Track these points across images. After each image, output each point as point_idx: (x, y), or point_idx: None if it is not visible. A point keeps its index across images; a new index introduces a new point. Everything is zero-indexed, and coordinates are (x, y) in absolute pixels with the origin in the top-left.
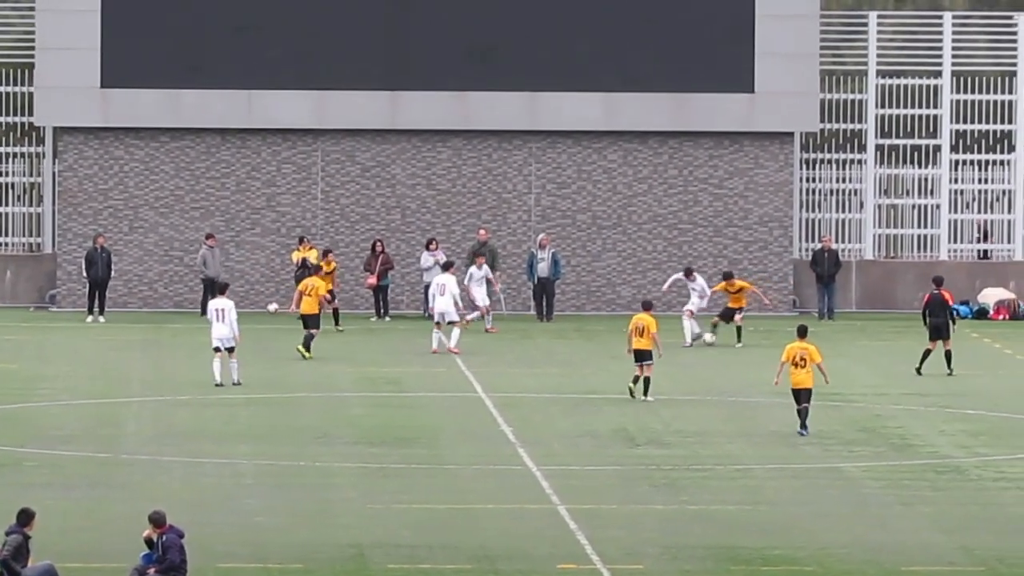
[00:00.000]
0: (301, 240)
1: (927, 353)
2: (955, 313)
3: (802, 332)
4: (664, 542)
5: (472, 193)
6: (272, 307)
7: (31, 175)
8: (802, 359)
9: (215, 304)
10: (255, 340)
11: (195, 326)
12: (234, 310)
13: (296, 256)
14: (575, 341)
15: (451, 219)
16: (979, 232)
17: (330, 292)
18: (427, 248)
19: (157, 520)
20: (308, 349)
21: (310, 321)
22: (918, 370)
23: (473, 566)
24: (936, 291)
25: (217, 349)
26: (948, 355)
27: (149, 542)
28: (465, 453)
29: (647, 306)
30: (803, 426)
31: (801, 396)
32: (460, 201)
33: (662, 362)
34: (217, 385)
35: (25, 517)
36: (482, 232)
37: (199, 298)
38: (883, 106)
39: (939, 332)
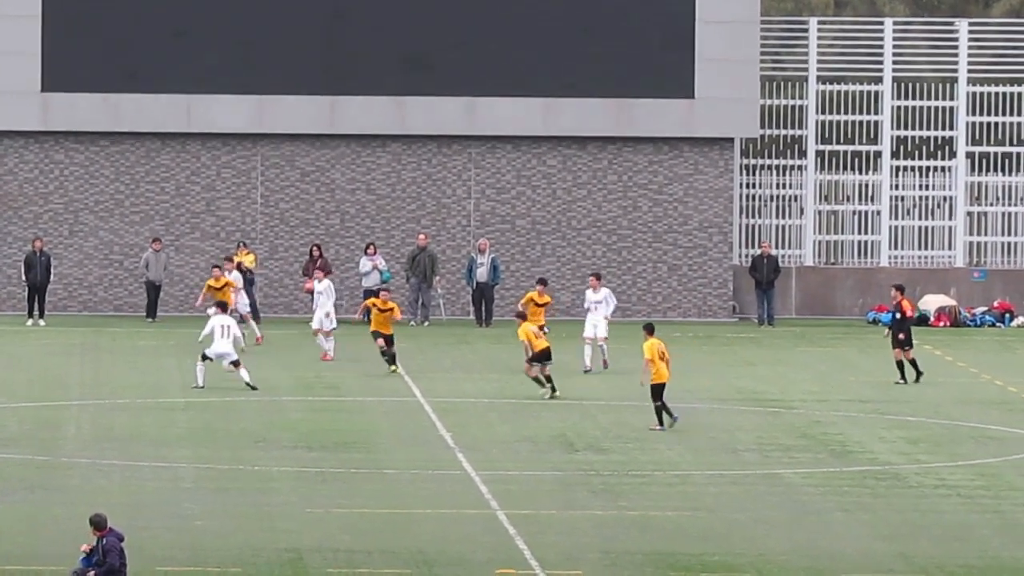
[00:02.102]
0: (239, 245)
1: (900, 363)
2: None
3: (651, 329)
4: (603, 547)
5: (411, 198)
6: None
7: None
8: (663, 355)
9: (220, 320)
10: (196, 345)
11: (135, 330)
12: (236, 326)
13: (234, 260)
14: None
15: (390, 224)
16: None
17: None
18: (366, 253)
19: (98, 523)
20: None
21: None
22: (902, 381)
23: (411, 571)
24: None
25: (206, 358)
26: (914, 363)
27: (90, 553)
28: (404, 458)
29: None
30: (673, 415)
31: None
32: (399, 206)
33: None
34: (198, 387)
35: None
36: (421, 237)
37: (140, 302)
38: (824, 112)
39: (908, 340)
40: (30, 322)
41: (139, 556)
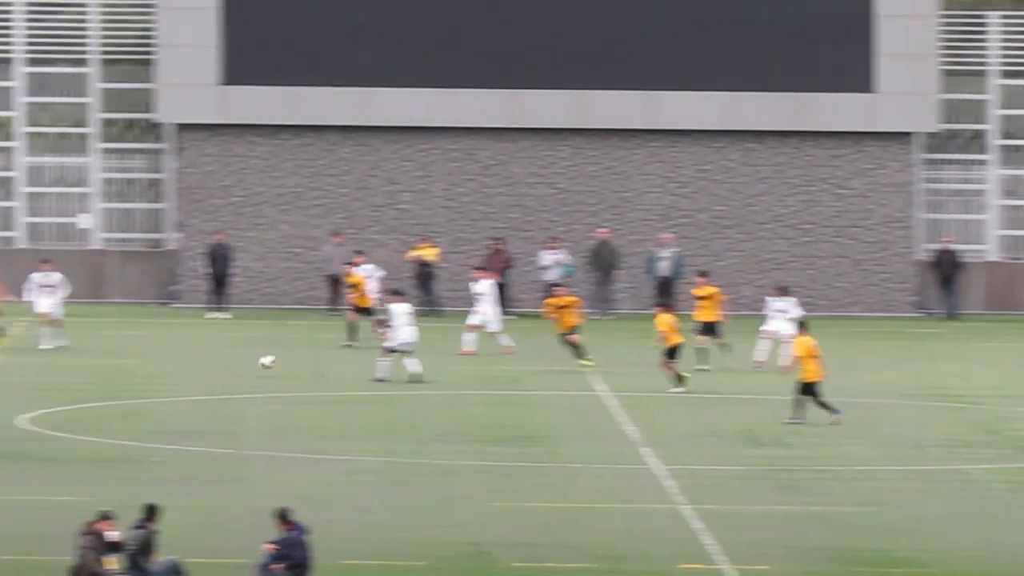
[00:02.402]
0: (421, 238)
1: None
2: None
3: (804, 327)
4: (789, 543)
5: (592, 192)
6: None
7: (153, 171)
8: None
9: (404, 308)
10: (373, 337)
11: (316, 323)
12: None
13: (413, 254)
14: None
15: (571, 218)
16: None
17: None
18: (546, 247)
19: (282, 517)
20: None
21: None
22: None
23: (596, 565)
24: None
25: (392, 351)
26: None
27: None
28: (587, 452)
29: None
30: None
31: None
32: (580, 200)
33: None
34: (378, 381)
35: (151, 512)
36: (602, 231)
37: (322, 295)
38: (1007, 107)
39: None
40: (212, 314)
41: (323, 550)
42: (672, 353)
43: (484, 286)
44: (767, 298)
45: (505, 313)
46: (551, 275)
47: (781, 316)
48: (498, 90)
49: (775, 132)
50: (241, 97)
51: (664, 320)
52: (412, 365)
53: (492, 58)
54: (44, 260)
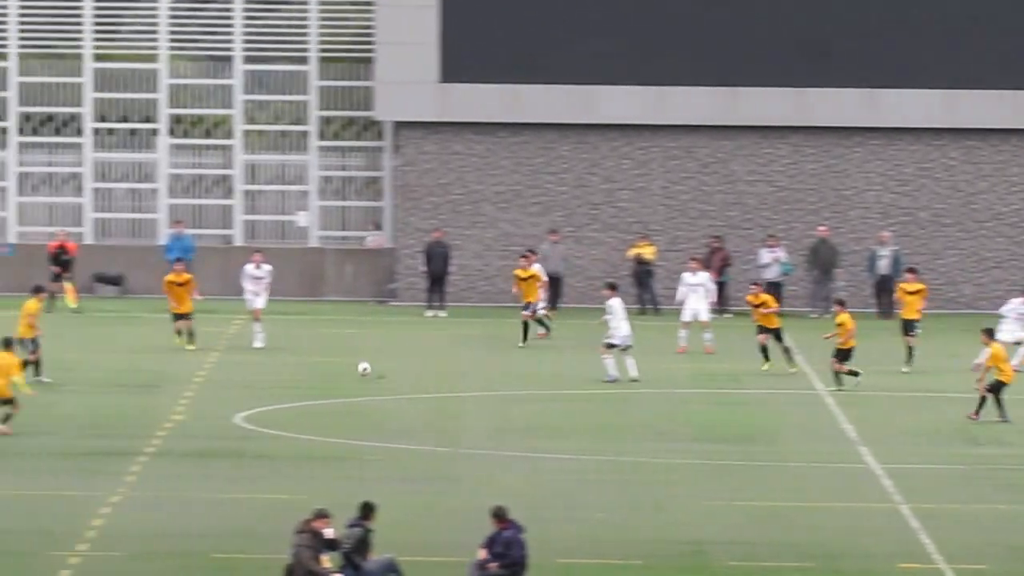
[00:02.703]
0: (640, 236)
1: None
2: None
3: (992, 335)
4: (1008, 543)
5: (811, 190)
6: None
7: (371, 169)
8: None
9: (620, 303)
10: (588, 335)
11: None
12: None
13: (632, 252)
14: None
15: (791, 216)
16: None
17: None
18: (766, 245)
19: (499, 515)
20: None
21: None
22: None
23: (814, 564)
24: None
25: (612, 346)
26: None
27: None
28: (805, 450)
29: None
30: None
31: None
32: (799, 198)
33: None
34: (610, 381)
35: (367, 510)
36: (822, 229)
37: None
38: None
39: None
40: (430, 313)
41: (540, 548)
42: (845, 356)
43: (701, 277)
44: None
45: (723, 312)
46: (770, 273)
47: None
48: (717, 88)
49: (996, 130)
50: (459, 95)
51: (845, 319)
52: (632, 368)
53: (711, 56)
54: (256, 251)
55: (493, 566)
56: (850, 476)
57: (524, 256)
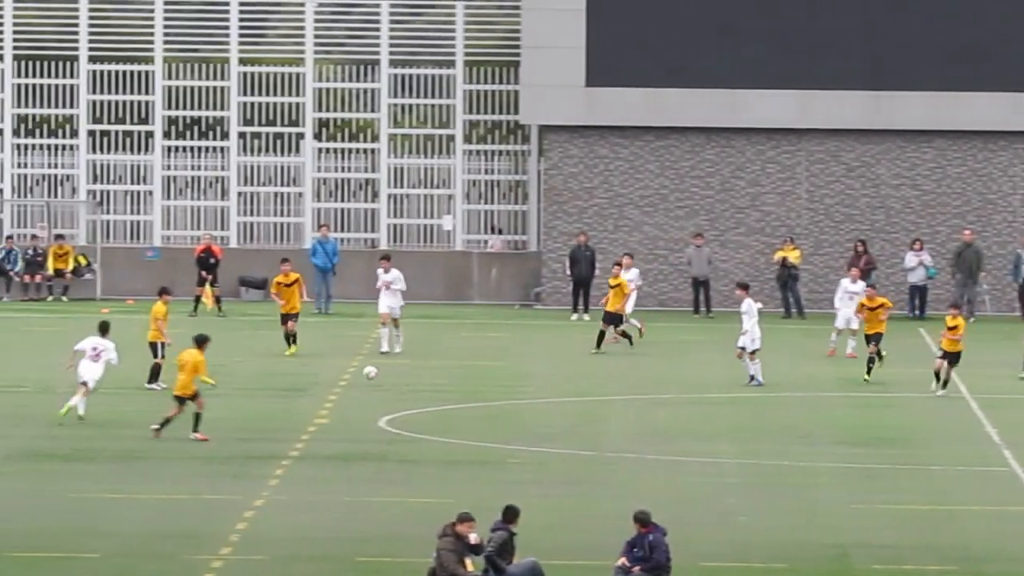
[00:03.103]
0: (785, 240)
1: None
2: None
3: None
4: None
5: (956, 194)
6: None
7: (517, 173)
8: None
9: (751, 307)
10: (731, 339)
11: (680, 324)
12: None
13: (777, 255)
14: None
15: (935, 220)
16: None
17: None
18: (911, 248)
19: (643, 520)
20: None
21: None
22: None
23: (957, 567)
24: None
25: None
26: None
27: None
28: (949, 453)
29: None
30: None
31: None
32: (944, 202)
33: None
34: (757, 385)
35: (510, 514)
36: (967, 233)
37: (685, 297)
38: None
39: None
40: (575, 316)
41: (683, 551)
42: (955, 359)
43: (861, 286)
44: None
45: None
46: (915, 277)
47: None
48: (862, 91)
49: None
50: (605, 98)
51: (960, 322)
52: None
53: (856, 60)
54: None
55: (636, 570)
56: (994, 479)
57: (617, 263)
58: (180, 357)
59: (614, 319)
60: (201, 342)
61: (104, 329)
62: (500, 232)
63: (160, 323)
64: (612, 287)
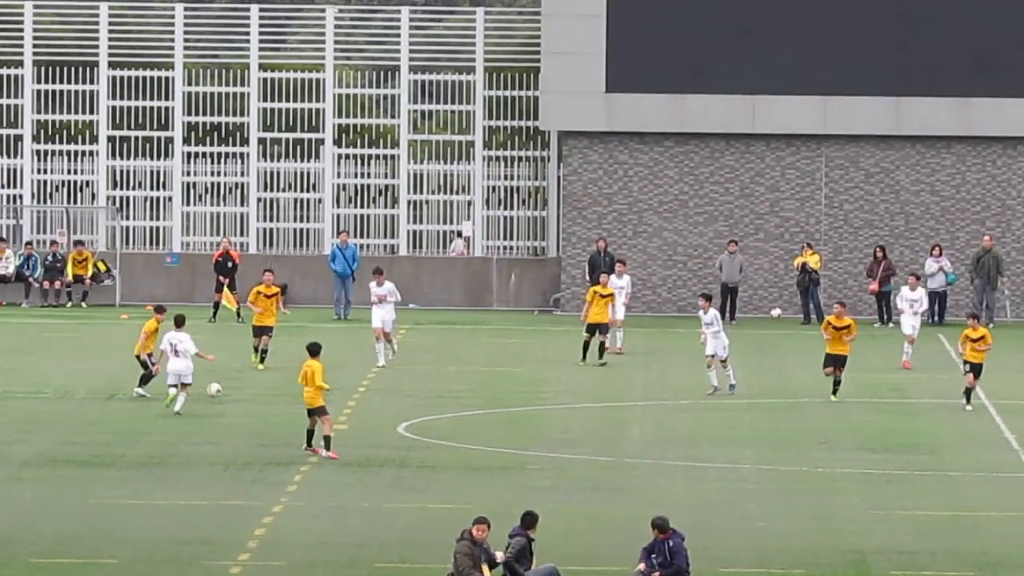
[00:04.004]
0: (804, 246)
1: None
2: None
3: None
4: None
5: (976, 200)
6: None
7: (536, 179)
8: None
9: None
10: (757, 344)
11: (698, 331)
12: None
13: (797, 261)
14: None
15: (955, 225)
16: None
17: None
18: (931, 254)
19: (661, 526)
20: None
21: None
22: None
23: (975, 573)
24: None
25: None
26: None
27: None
28: (968, 460)
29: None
30: None
31: None
32: (964, 208)
33: None
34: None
35: (529, 519)
36: (986, 239)
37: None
38: None
39: None
40: None
41: (702, 557)
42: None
43: (918, 293)
44: None
45: (888, 322)
46: (935, 283)
47: None
48: (882, 97)
49: None
50: (625, 104)
51: (985, 332)
52: (714, 379)
53: (877, 66)
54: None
55: (656, 575)
56: (1012, 485)
57: (604, 272)
58: (302, 373)
59: (601, 329)
60: (315, 352)
61: (179, 323)
62: (460, 235)
63: (148, 336)
64: (603, 296)
